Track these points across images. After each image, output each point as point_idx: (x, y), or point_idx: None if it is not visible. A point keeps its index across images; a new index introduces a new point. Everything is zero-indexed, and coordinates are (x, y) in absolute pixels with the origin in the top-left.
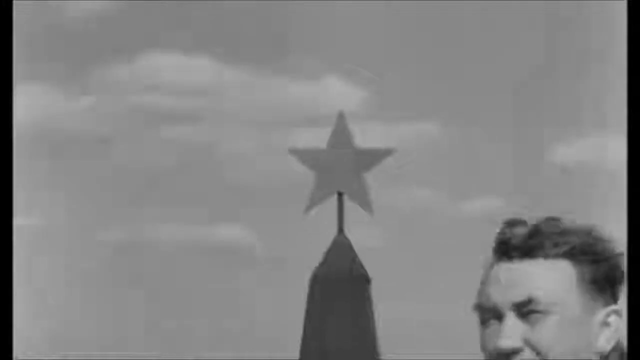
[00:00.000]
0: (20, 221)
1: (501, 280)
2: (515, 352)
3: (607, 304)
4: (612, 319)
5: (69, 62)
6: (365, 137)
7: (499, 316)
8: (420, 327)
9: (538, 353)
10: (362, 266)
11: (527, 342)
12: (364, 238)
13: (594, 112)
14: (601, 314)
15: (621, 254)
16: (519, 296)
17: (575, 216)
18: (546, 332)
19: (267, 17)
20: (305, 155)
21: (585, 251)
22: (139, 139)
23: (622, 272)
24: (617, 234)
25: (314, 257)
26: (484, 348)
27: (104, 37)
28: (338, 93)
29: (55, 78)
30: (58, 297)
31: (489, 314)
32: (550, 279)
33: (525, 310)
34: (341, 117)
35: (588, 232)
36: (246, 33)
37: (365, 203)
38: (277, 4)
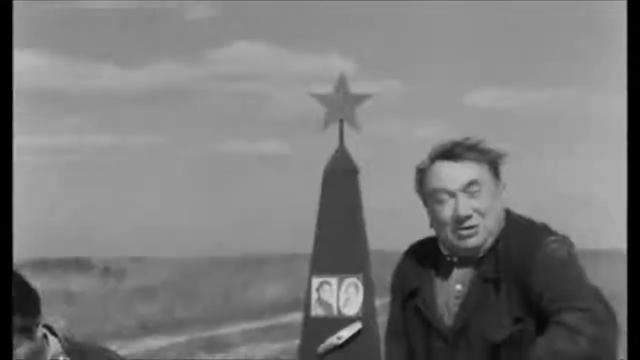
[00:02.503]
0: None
1: (452, 172)
2: (468, 217)
3: (499, 180)
4: (505, 189)
5: (182, 46)
6: (355, 88)
7: (452, 195)
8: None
9: (482, 215)
10: (353, 162)
11: (475, 210)
12: (355, 150)
13: (501, 66)
14: (499, 184)
15: (500, 154)
16: (466, 180)
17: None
18: (485, 201)
19: (293, 16)
20: (321, 98)
21: (484, 157)
22: (222, 93)
23: (501, 162)
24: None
25: (325, 159)
26: (441, 216)
27: (207, 30)
28: (338, 63)
29: (176, 55)
30: None
31: (444, 194)
32: (478, 170)
33: (471, 189)
34: (342, 76)
35: (480, 146)
36: (281, 26)
37: (355, 125)
38: (298, 4)
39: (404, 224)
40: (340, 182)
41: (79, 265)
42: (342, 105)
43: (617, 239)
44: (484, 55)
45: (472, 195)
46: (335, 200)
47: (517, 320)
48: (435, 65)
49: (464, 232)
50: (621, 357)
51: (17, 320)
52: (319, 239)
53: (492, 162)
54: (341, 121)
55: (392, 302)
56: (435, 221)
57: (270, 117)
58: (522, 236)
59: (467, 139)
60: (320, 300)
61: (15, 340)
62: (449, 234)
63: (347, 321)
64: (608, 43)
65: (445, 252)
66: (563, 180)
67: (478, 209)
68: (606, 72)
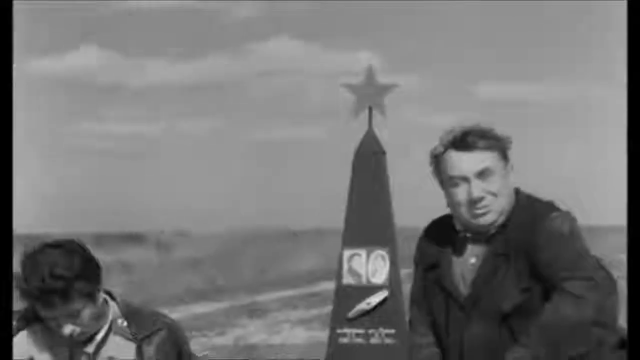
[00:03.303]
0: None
1: (466, 162)
2: (480, 199)
3: (508, 162)
4: (512, 169)
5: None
6: (381, 79)
7: (466, 180)
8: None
9: (494, 196)
10: (380, 144)
11: (487, 192)
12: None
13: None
14: (508, 166)
15: (508, 139)
16: (479, 167)
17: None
18: (496, 183)
19: (324, 15)
20: (352, 88)
21: (495, 145)
22: (264, 85)
23: (509, 147)
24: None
25: (356, 143)
26: (457, 199)
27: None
28: (366, 58)
29: (223, 51)
30: None
31: (459, 180)
32: (489, 157)
33: (484, 175)
34: (370, 68)
35: (490, 133)
36: (313, 24)
37: (383, 112)
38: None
39: (426, 201)
40: (369, 163)
41: (134, 239)
42: (371, 95)
43: (618, 216)
44: (493, 52)
45: (484, 179)
46: (364, 180)
47: (525, 290)
48: (450, 60)
49: (478, 211)
50: (621, 322)
51: (82, 286)
52: (349, 214)
53: (502, 148)
54: (370, 108)
55: (415, 274)
56: (452, 202)
57: (307, 106)
58: (529, 212)
59: (477, 125)
60: (351, 270)
61: (79, 305)
62: (464, 213)
63: (376, 289)
64: (609, 42)
65: (460, 228)
66: (567, 163)
67: (490, 191)
68: (607, 69)
